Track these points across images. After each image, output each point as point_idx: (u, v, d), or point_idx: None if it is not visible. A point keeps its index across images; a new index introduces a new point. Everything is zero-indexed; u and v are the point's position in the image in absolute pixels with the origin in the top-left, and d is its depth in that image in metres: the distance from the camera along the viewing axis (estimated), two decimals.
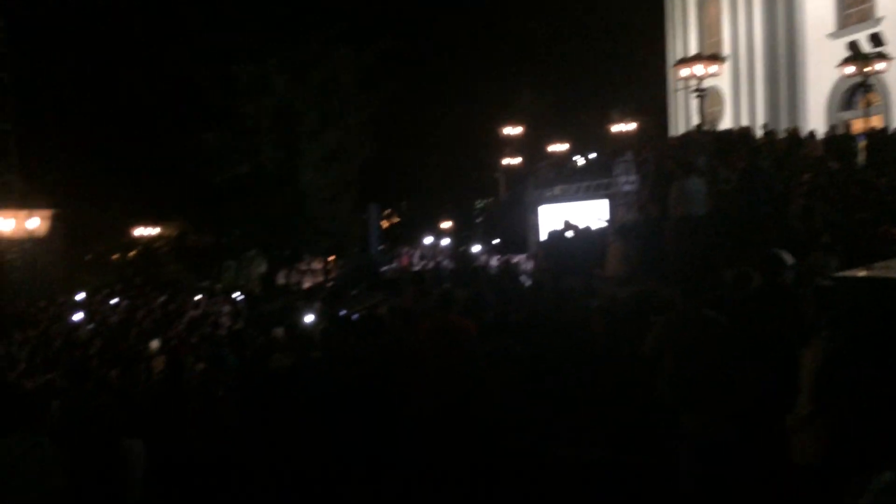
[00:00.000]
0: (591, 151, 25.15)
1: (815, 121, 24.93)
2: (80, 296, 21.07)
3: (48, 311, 18.85)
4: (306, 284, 26.47)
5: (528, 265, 18.18)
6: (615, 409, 5.20)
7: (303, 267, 29.04)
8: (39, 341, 12.90)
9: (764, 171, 10.04)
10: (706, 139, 17.35)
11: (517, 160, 30.53)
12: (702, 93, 18.79)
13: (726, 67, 24.99)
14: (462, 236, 30.82)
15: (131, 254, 34.31)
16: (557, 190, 20.12)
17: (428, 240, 28.65)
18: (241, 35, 25.69)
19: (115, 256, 33.49)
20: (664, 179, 11.65)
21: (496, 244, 24.67)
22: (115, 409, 5.00)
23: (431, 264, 22.59)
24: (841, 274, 2.74)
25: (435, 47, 38.47)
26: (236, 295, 22.13)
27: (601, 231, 14.18)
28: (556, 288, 8.79)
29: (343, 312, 13.14)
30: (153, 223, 32.99)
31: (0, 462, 4.42)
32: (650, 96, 33.13)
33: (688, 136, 19.62)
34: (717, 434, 4.61)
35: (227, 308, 18.89)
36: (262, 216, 26.35)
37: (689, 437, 4.69)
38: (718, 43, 28.86)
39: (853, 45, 18.62)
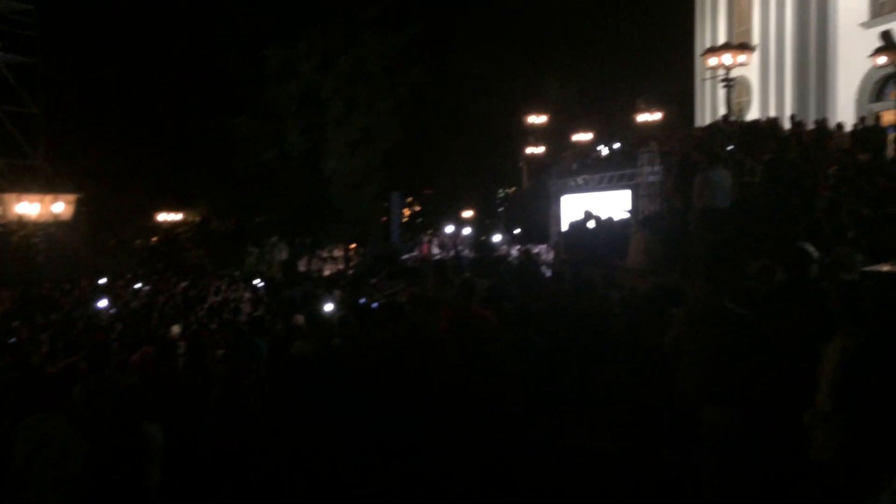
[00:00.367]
0: (616, 141, 24.93)
1: (845, 112, 24.47)
2: (103, 280, 21.34)
3: (71, 295, 19.10)
4: (327, 272, 26.64)
5: (550, 255, 18.13)
6: (636, 401, 5.17)
7: (324, 254, 29.22)
8: (62, 325, 13.07)
9: (791, 163, 9.88)
10: (733, 130, 17.12)
11: (541, 149, 30.36)
12: (730, 82, 18.53)
13: (755, 57, 24.62)
14: (483, 225, 30.77)
15: (154, 239, 34.64)
16: (580, 180, 19.99)
17: (449, 228, 28.66)
18: (270, 19, 25.77)
19: (138, 241, 33.80)
20: (689, 170, 11.50)
21: (517, 234, 24.61)
22: (136, 393, 5.03)
23: (452, 253, 22.59)
24: (866, 269, 2.68)
25: (461, 34, 38.29)
26: (257, 281, 22.29)
27: (623, 222, 14.08)
28: (577, 279, 8.72)
29: (363, 300, 13.20)
30: (176, 209, 33.27)
31: (24, 442, 4.50)
32: (677, 86, 32.73)
33: (714, 127, 19.39)
34: (736, 427, 4.57)
35: (247, 294, 19.04)
36: (285, 203, 26.49)
37: (710, 429, 4.65)
38: (748, 32, 28.38)
39: (886, 35, 18.26)
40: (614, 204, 16.63)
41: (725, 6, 29.95)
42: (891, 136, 14.73)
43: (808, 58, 26.34)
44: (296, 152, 26.41)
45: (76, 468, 4.47)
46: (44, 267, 23.54)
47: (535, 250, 19.02)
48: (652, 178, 16.17)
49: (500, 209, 34.27)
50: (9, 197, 23.96)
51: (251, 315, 13.53)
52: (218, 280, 22.05)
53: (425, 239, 27.76)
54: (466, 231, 29.05)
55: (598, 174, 19.14)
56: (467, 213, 33.56)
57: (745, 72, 25.15)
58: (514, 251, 20.55)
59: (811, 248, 4.93)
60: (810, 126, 17.72)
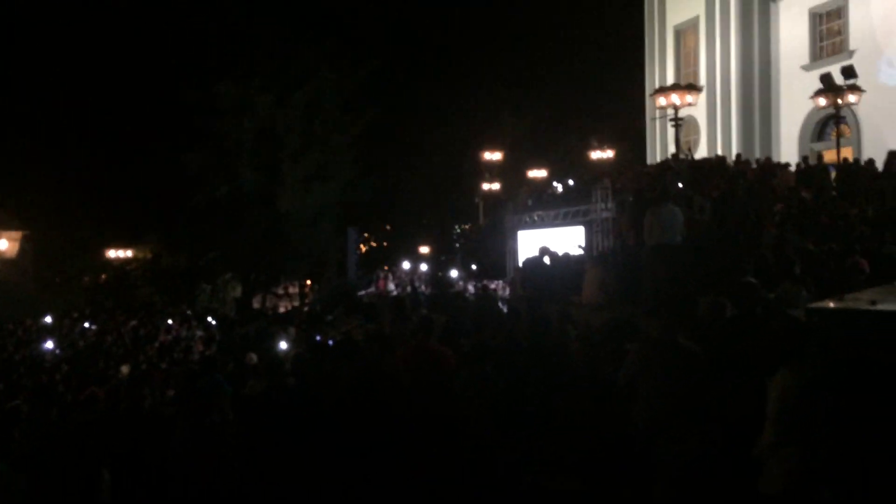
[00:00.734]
0: (570, 178, 25.32)
1: (789, 151, 25.36)
2: (48, 319, 20.71)
3: (14, 336, 18.46)
4: (282, 309, 26.27)
5: (506, 291, 18.18)
6: (591, 436, 5.16)
7: (279, 291, 28.83)
8: (4, 366, 12.60)
9: (738, 200, 10.14)
10: (682, 167, 17.54)
11: (496, 185, 30.67)
12: (678, 122, 19.04)
13: (702, 97, 25.39)
14: (440, 261, 30.78)
15: (103, 276, 33.79)
16: (536, 216, 20.18)
17: (405, 264, 28.59)
18: (224, 55, 25.67)
19: (86, 279, 32.94)
20: (641, 207, 11.72)
21: (474, 270, 24.65)
22: (81, 436, 4.86)
23: (409, 289, 22.51)
24: (812, 305, 2.74)
25: (416, 72, 38.74)
26: (209, 319, 21.86)
27: (578, 258, 14.21)
28: (533, 315, 8.76)
29: (319, 337, 13.02)
30: (126, 245, 32.57)
31: None
32: (628, 124, 33.57)
33: (665, 164, 19.85)
34: (691, 462, 4.59)
35: (199, 332, 18.64)
36: (239, 239, 26.12)
37: (664, 464, 4.66)
38: (695, 73, 29.35)
39: (826, 78, 18.99)
40: (570, 240, 16.81)
41: (673, 48, 30.93)
42: (832, 175, 15.26)
43: (753, 98, 27.31)
44: (250, 187, 26.16)
45: None
46: None
47: (492, 286, 19.08)
48: (605, 215, 16.43)
49: (457, 245, 34.38)
50: None
51: (203, 354, 13.22)
52: (169, 318, 21.57)
53: (382, 275, 27.62)
54: (423, 267, 29.02)
55: (554, 210, 19.35)
56: (424, 249, 33.57)
57: (693, 111, 25.90)
58: (471, 287, 20.58)
59: (757, 284, 5.05)
60: (755, 164, 18.26)
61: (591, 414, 5.24)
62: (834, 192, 13.62)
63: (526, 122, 38.04)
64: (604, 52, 36.27)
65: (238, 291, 28.96)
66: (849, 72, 18.54)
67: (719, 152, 25.01)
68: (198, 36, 26.04)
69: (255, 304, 26.99)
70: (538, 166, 30.49)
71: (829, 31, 25.15)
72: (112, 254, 32.52)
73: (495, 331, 8.33)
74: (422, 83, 37.88)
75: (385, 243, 42.58)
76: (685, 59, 30.64)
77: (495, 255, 22.62)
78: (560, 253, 13.68)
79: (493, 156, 31.70)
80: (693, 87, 20.28)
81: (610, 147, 27.54)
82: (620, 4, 34.75)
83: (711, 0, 28.32)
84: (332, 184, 27.57)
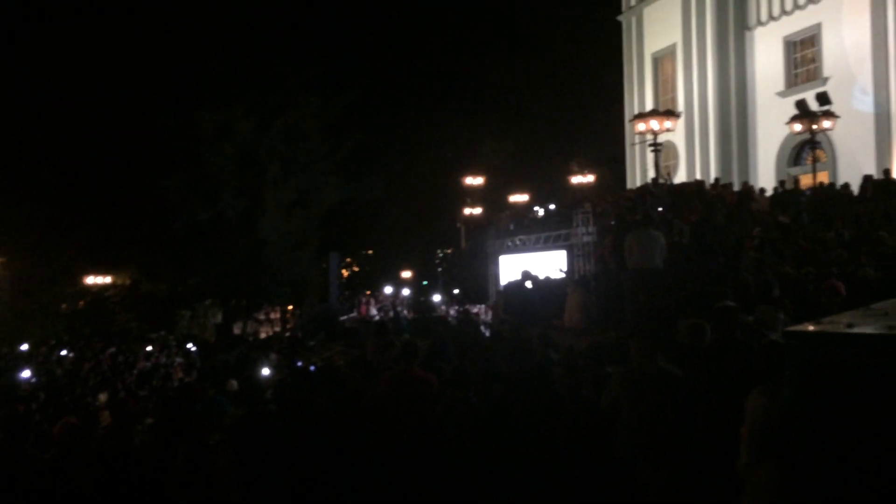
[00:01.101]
0: (551, 202, 25.50)
1: (766, 175, 25.74)
2: (25, 347, 20.40)
3: None
4: (263, 334, 26.08)
5: (488, 315, 18.19)
6: (574, 461, 5.15)
7: (260, 317, 28.64)
8: None
9: (717, 224, 10.26)
10: (662, 192, 17.72)
11: (478, 210, 30.79)
12: (657, 147, 19.26)
13: (681, 123, 25.75)
14: (422, 286, 30.77)
15: (81, 303, 33.38)
16: (518, 240, 20.29)
17: (387, 289, 28.54)
18: (205, 81, 25.69)
19: (63, 306, 32.50)
20: (622, 231, 11.82)
21: (456, 294, 24.66)
22: (56, 467, 4.77)
23: (391, 314, 22.46)
24: (790, 328, 2.78)
25: (397, 98, 39.00)
26: (189, 345, 21.64)
27: (560, 281, 14.28)
28: (515, 339, 8.77)
29: (300, 363, 12.94)
30: (105, 272, 32.23)
31: None
32: (608, 149, 33.93)
33: (644, 189, 20.04)
34: (673, 485, 4.59)
35: (179, 359, 18.44)
36: (220, 265, 25.96)
37: (647, 488, 4.66)
38: (673, 99, 29.79)
39: (801, 104, 19.33)
40: (551, 264, 16.90)
41: (651, 75, 31.42)
42: (808, 198, 15.49)
43: (730, 124, 27.75)
44: (231, 213, 26.06)
45: None
46: None
47: (475, 310, 19.09)
48: (587, 239, 16.56)
49: (439, 269, 34.38)
50: None
51: (183, 381, 13.08)
52: (148, 344, 21.33)
53: (364, 300, 27.54)
54: (405, 291, 29.00)
55: (535, 234, 19.48)
56: (406, 274, 33.55)
57: (671, 137, 26.23)
58: (454, 311, 20.58)
59: (736, 307, 5.10)
60: (733, 187, 18.49)
61: (573, 438, 5.24)
62: (810, 216, 13.82)
63: (507, 148, 38.33)
64: (584, 79, 36.75)
65: (219, 317, 28.72)
66: (823, 98, 18.90)
67: (698, 177, 25.32)
68: (178, 62, 26.06)
69: (236, 331, 26.78)
70: (519, 191, 30.69)
71: (803, 59, 25.68)
72: (90, 280, 32.15)
73: (477, 355, 8.32)
74: (403, 109, 38.13)
75: (367, 268, 42.52)
76: (663, 85, 31.12)
77: (477, 279, 22.67)
78: (541, 277, 13.76)
79: (474, 180, 31.84)
80: (671, 113, 20.55)
81: (590, 172, 27.79)
82: (600, 32, 35.31)
83: (688, 28, 28.86)
84: (313, 209, 27.55)
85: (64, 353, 20.05)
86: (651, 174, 22.86)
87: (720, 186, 18.49)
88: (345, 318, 24.86)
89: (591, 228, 16.59)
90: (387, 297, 27.88)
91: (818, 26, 24.54)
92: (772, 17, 26.44)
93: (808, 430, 2.49)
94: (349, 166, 28.78)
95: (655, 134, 19.14)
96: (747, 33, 27.59)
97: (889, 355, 2.34)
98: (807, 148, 22.02)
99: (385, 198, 35.03)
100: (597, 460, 4.99)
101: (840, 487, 2.38)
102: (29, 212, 27.35)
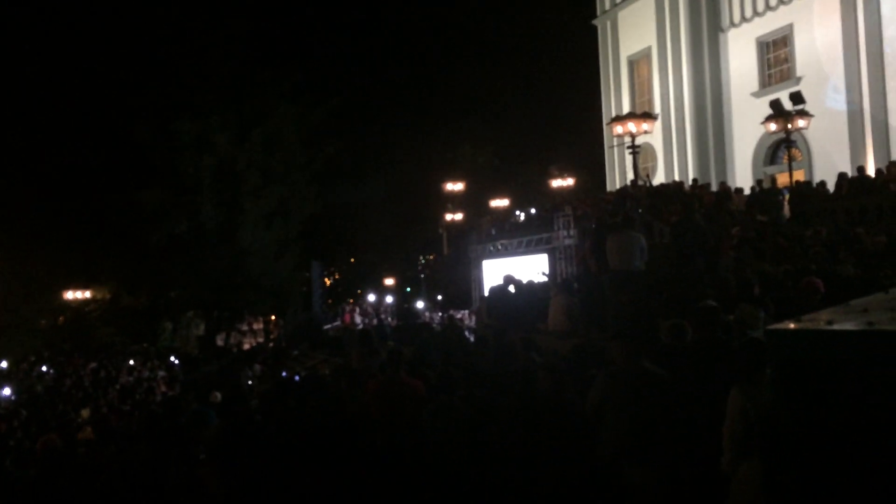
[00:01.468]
0: (532, 206, 25.61)
1: (743, 175, 26.03)
2: (4, 364, 20.12)
3: None
4: (246, 345, 25.92)
5: (472, 320, 18.21)
6: (559, 463, 5.16)
7: (243, 327, 28.45)
8: None
9: (696, 224, 10.34)
10: (641, 194, 17.84)
11: (459, 216, 30.85)
12: (635, 149, 19.39)
13: (658, 125, 25.96)
14: (405, 293, 30.75)
15: (61, 318, 32.95)
16: (500, 245, 20.33)
17: (371, 297, 28.49)
18: (182, 91, 25.52)
19: (43, 322, 32.05)
20: (602, 233, 11.88)
21: (440, 300, 24.67)
22: (36, 485, 4.70)
23: (374, 321, 22.41)
24: (771, 327, 2.81)
25: (376, 105, 39.03)
26: (172, 358, 21.45)
27: (543, 285, 14.31)
28: (500, 343, 8.77)
29: (285, 373, 12.87)
30: (84, 286, 31.85)
31: None
32: (587, 152, 34.17)
33: (624, 191, 20.16)
34: (659, 486, 4.61)
35: (162, 373, 18.28)
36: (201, 276, 25.75)
37: (632, 492, 4.68)
38: (650, 101, 30.03)
39: (775, 104, 19.56)
40: (534, 267, 16.93)
41: (627, 78, 31.67)
42: (786, 197, 15.66)
43: (706, 125, 28.03)
44: (211, 224, 25.88)
45: None
46: None
47: (458, 315, 19.11)
48: (568, 242, 16.63)
49: (422, 276, 34.38)
50: None
51: (166, 394, 12.96)
52: (130, 358, 21.10)
53: (347, 308, 27.46)
54: (389, 299, 28.95)
55: (517, 239, 19.52)
56: (389, 281, 33.52)
57: (649, 139, 26.45)
58: (437, 317, 20.57)
59: (717, 307, 5.15)
60: (711, 187, 18.66)
61: (558, 440, 5.24)
62: (787, 215, 13.98)
63: (486, 153, 38.48)
64: (561, 83, 37.06)
65: (201, 329, 28.50)
66: (797, 98, 19.13)
67: (676, 178, 25.55)
68: (155, 72, 25.86)
69: (219, 342, 26.56)
70: (500, 196, 30.79)
71: (776, 59, 26.01)
72: (69, 295, 31.76)
73: (462, 361, 8.32)
74: (382, 116, 38.16)
75: (350, 276, 42.40)
76: (640, 88, 31.37)
77: (460, 284, 22.70)
78: (524, 281, 13.77)
79: (455, 186, 31.93)
80: (648, 116, 20.69)
81: (570, 175, 27.94)
82: (575, 36, 35.60)
83: (662, 31, 29.13)
84: (293, 218, 27.45)
85: (44, 369, 19.79)
86: (630, 176, 23.02)
87: (698, 187, 18.66)
88: (329, 326, 24.79)
89: (572, 231, 16.67)
90: (370, 304, 27.82)
91: (790, 27, 24.88)
92: (744, 19, 26.76)
93: (789, 427, 2.52)
94: (329, 175, 28.72)
95: (633, 136, 19.27)
96: (721, 35, 27.90)
97: (869, 352, 2.37)
98: (782, 147, 22.28)
99: (366, 205, 35.03)
100: (582, 462, 5.00)
101: (821, 484, 2.40)
102: (5, 227, 26.97)
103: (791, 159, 19.99)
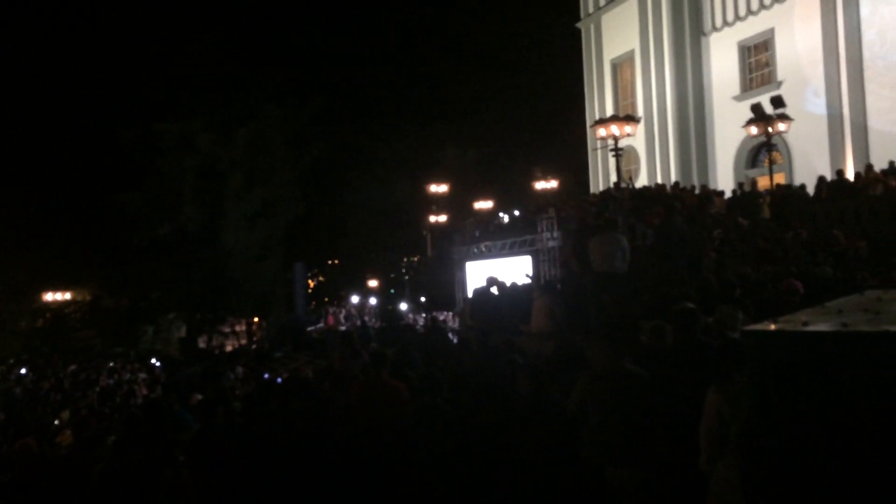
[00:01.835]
0: (516, 208, 25.67)
1: (724, 178, 26.24)
2: None
3: None
4: (229, 347, 25.76)
5: (456, 322, 18.22)
6: (541, 466, 5.17)
7: (225, 329, 28.28)
8: None
9: (678, 227, 10.41)
10: (624, 196, 17.93)
11: (443, 218, 30.86)
12: (618, 152, 19.49)
13: (641, 128, 26.10)
14: (389, 294, 30.71)
15: (40, 321, 32.59)
16: (483, 247, 20.35)
17: (354, 298, 28.43)
18: (165, 92, 25.37)
19: (22, 324, 31.68)
20: (585, 235, 11.93)
21: (423, 302, 24.65)
22: (15, 492, 4.65)
23: (358, 323, 22.36)
24: (748, 328, 2.83)
25: (359, 107, 38.96)
26: (153, 361, 21.29)
27: (526, 287, 14.34)
28: (483, 345, 8.79)
29: (267, 375, 12.80)
30: (64, 288, 31.54)
31: None
32: (571, 155, 34.32)
33: (607, 193, 20.26)
34: (641, 486, 4.64)
35: (143, 375, 18.13)
36: (183, 278, 25.60)
37: (614, 492, 4.70)
38: (633, 104, 30.22)
39: (756, 107, 19.73)
40: (517, 269, 16.97)
41: (611, 81, 31.84)
42: (766, 200, 15.81)
43: (689, 128, 28.23)
44: (193, 226, 25.72)
45: None
46: None
47: (442, 317, 19.10)
48: (552, 244, 16.68)
49: (406, 277, 34.34)
50: None
51: (147, 397, 12.85)
52: (110, 361, 20.92)
53: (331, 310, 27.39)
54: (373, 300, 28.89)
55: (500, 241, 19.56)
56: (373, 283, 33.46)
57: (632, 141, 26.59)
58: (421, 319, 20.56)
59: (696, 308, 5.19)
60: (694, 190, 18.79)
61: (540, 441, 5.26)
62: (767, 217, 14.11)
63: (470, 155, 38.53)
64: (545, 86, 37.16)
65: (183, 331, 28.29)
66: (778, 101, 19.32)
67: (659, 180, 25.70)
68: (136, 74, 25.71)
69: (201, 344, 26.39)
70: (484, 198, 30.85)
71: (757, 63, 26.25)
72: (49, 297, 31.44)
73: (444, 362, 8.33)
74: (366, 118, 38.11)
75: (333, 278, 42.29)
76: (623, 91, 31.55)
77: (444, 286, 22.68)
78: (508, 282, 13.79)
79: (438, 188, 31.94)
80: (631, 118, 20.81)
81: (554, 177, 28.05)
82: (559, 39, 35.78)
83: (645, 34, 29.31)
84: (277, 220, 27.34)
85: (23, 371, 19.57)
86: (613, 178, 23.14)
87: (679, 190, 18.79)
88: (312, 328, 24.70)
89: (555, 233, 16.72)
90: (354, 306, 27.76)
91: (771, 31, 25.12)
92: (726, 23, 27.00)
93: (765, 428, 2.54)
94: (313, 176, 28.65)
95: (616, 139, 19.36)
96: (703, 39, 28.13)
97: (843, 352, 2.40)
98: (763, 150, 22.48)
99: (350, 206, 34.97)
100: (565, 463, 5.02)
101: (798, 484, 2.43)
102: None
103: (772, 162, 20.18)
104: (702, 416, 4.11)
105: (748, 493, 3.12)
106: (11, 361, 21.85)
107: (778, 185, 18.03)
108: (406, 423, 5.89)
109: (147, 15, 25.61)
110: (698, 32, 28.15)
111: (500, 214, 25.88)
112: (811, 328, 2.57)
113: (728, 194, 18.01)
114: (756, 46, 26.23)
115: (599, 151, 29.01)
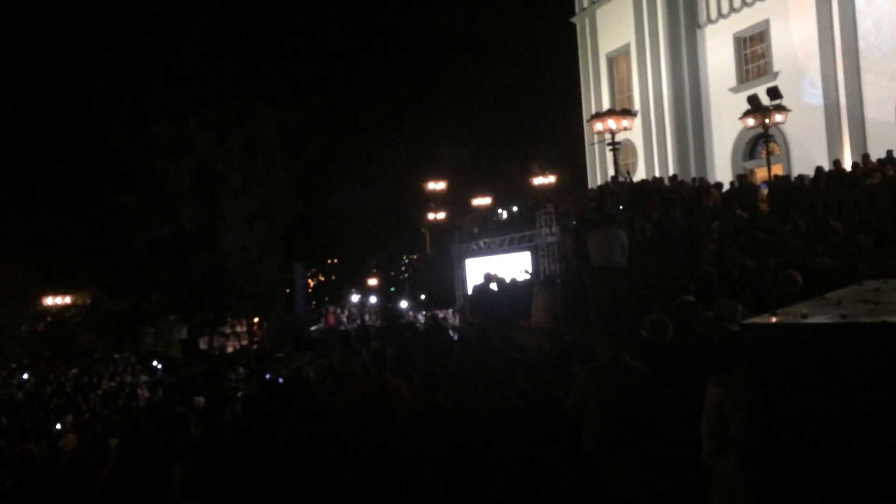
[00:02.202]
0: (514, 204, 25.67)
1: (722, 170, 26.22)
2: None
3: None
4: (230, 348, 25.78)
5: (456, 319, 18.23)
6: (543, 459, 5.18)
7: (226, 330, 28.29)
8: None
9: (677, 220, 10.41)
10: (622, 191, 17.92)
11: (442, 215, 30.85)
12: (616, 146, 19.46)
13: (638, 121, 26.07)
14: (389, 293, 30.73)
15: (41, 325, 32.59)
16: (482, 243, 20.36)
17: (355, 297, 28.44)
18: (161, 94, 25.33)
19: (23, 328, 31.68)
20: (584, 230, 11.93)
21: (423, 299, 24.66)
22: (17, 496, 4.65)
23: (358, 322, 22.37)
24: (747, 321, 2.83)
25: (355, 106, 38.94)
26: (155, 363, 21.30)
27: (526, 283, 14.34)
28: (483, 342, 8.80)
29: (268, 376, 12.82)
30: (64, 292, 31.54)
31: None
32: (568, 150, 34.31)
33: (605, 188, 20.24)
34: (643, 483, 4.64)
35: (144, 378, 18.14)
36: (182, 280, 25.60)
37: (615, 487, 4.70)
38: (629, 98, 30.18)
39: (753, 99, 19.71)
40: (517, 265, 16.98)
41: (607, 75, 31.79)
42: (764, 192, 15.80)
43: (686, 121, 28.19)
44: (191, 228, 25.71)
45: None
46: None
47: (442, 315, 19.11)
48: (550, 239, 16.68)
49: (405, 275, 34.35)
50: None
51: (149, 400, 12.84)
52: (112, 364, 20.92)
53: (331, 309, 27.39)
54: (373, 299, 28.91)
55: (499, 237, 19.56)
56: (372, 281, 33.47)
57: (629, 135, 26.57)
58: (421, 317, 20.57)
59: (696, 302, 5.20)
60: (693, 183, 18.77)
61: (541, 436, 5.26)
62: (766, 209, 14.10)
63: (466, 151, 38.51)
64: (541, 81, 37.14)
65: (183, 333, 28.30)
66: (774, 93, 19.30)
67: (657, 174, 25.66)
68: (132, 75, 25.65)
69: (203, 346, 26.39)
70: (482, 194, 30.84)
71: (753, 55, 26.22)
72: (49, 301, 31.43)
73: (445, 359, 8.33)
74: (362, 116, 38.08)
75: (333, 277, 42.29)
76: (619, 84, 31.51)
77: (444, 283, 22.70)
78: (507, 279, 13.80)
79: (436, 185, 31.93)
80: (628, 112, 20.76)
81: (552, 172, 28.04)
82: (555, 34, 35.73)
83: (641, 28, 29.27)
84: (275, 220, 27.33)
85: (25, 376, 19.57)
86: (611, 173, 23.12)
87: (677, 183, 18.77)
88: (313, 328, 24.71)
89: (554, 229, 16.72)
90: (354, 305, 27.76)
91: (766, 22, 25.09)
92: (721, 15, 26.96)
93: (766, 421, 2.55)
94: (310, 176, 28.64)
95: (613, 133, 19.32)
96: (698, 31, 28.08)
97: (842, 344, 2.41)
98: (761, 142, 22.45)
99: (348, 205, 34.96)
100: (566, 458, 5.02)
101: (798, 477, 2.43)
102: None
103: (769, 154, 20.16)
104: (703, 409, 4.11)
105: (752, 486, 3.13)
106: (13, 366, 21.85)
107: (776, 176, 18.02)
108: (407, 422, 5.89)
109: (142, 16, 25.54)
110: (693, 25, 28.11)
111: (499, 211, 25.89)
112: (811, 320, 2.57)
113: (726, 186, 17.98)
114: (752, 38, 26.20)
115: (597, 146, 28.98)
